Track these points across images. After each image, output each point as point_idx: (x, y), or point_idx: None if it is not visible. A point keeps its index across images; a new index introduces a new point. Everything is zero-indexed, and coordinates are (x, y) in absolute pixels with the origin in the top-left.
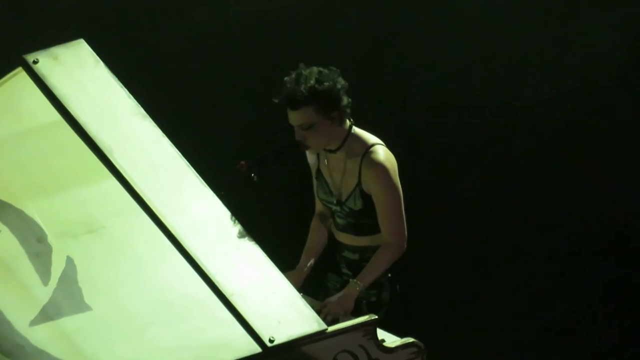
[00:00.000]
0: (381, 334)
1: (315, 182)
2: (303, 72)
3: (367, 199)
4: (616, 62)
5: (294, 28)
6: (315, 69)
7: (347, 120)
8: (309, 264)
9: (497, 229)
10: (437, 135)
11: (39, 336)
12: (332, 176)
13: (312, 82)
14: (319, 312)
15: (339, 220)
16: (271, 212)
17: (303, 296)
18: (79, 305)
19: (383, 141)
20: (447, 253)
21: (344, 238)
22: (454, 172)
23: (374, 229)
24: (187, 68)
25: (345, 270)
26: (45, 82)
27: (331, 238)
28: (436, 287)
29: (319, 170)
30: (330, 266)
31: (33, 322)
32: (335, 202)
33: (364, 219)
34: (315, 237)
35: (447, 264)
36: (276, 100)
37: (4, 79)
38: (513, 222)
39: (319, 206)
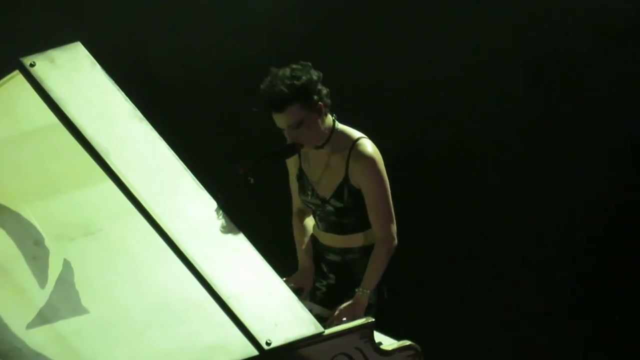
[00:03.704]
0: (378, 336)
1: (295, 183)
2: (276, 74)
3: (354, 194)
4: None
5: (291, 30)
6: (287, 68)
7: (330, 115)
8: (310, 261)
9: (492, 229)
10: (426, 134)
11: (36, 339)
12: (313, 173)
13: (289, 80)
14: (325, 320)
15: (321, 220)
16: (268, 215)
17: (305, 301)
18: (76, 308)
19: (369, 136)
20: (445, 255)
21: (327, 239)
22: (448, 172)
23: (357, 227)
24: (184, 71)
25: (329, 274)
26: (42, 85)
27: (314, 241)
28: (433, 288)
29: (301, 170)
30: (315, 269)
31: (30, 325)
32: (318, 200)
33: (347, 218)
34: (303, 234)
35: (444, 265)
36: (256, 110)
37: (1, 81)
38: (508, 222)
39: (297, 205)
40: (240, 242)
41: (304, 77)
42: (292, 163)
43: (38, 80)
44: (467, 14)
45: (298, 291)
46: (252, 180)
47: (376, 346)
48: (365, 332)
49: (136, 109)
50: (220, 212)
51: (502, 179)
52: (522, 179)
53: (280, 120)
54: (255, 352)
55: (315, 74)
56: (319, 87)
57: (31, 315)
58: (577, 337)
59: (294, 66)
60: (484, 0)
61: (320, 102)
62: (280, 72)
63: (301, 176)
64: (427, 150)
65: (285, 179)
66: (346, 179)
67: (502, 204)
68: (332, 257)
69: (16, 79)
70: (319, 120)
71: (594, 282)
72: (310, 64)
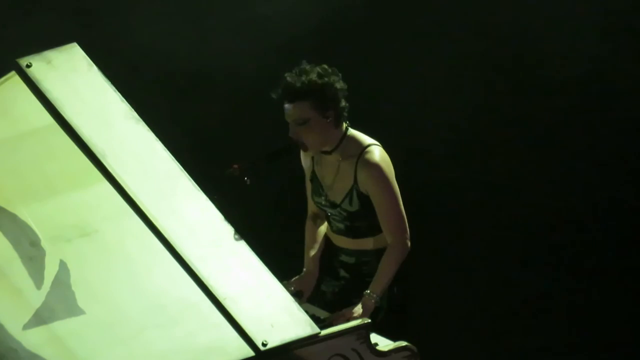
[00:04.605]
0: (374, 337)
1: (309, 185)
2: (305, 67)
3: (363, 200)
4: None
5: (290, 31)
6: (317, 66)
7: (344, 123)
8: (315, 267)
9: (494, 234)
10: (435, 140)
11: (33, 340)
12: (325, 178)
13: (312, 76)
14: (322, 321)
15: (334, 224)
16: (264, 216)
17: (304, 304)
18: (72, 308)
19: (381, 143)
20: (444, 256)
21: (340, 241)
22: (452, 178)
23: (370, 231)
24: (181, 72)
25: (343, 274)
26: (39, 86)
27: (328, 242)
28: (432, 290)
29: (313, 173)
30: (328, 270)
31: (26, 326)
32: (329, 204)
33: (359, 222)
34: (313, 239)
35: (442, 266)
36: (274, 96)
37: None
38: (511, 227)
39: (312, 209)
40: (237, 243)
41: (326, 79)
42: (306, 166)
43: (34, 81)
44: (471, 20)
45: (298, 294)
46: (248, 181)
47: (372, 347)
48: (361, 333)
49: (133, 110)
50: (221, 214)
51: (503, 181)
52: (522, 180)
53: (289, 111)
54: (251, 353)
55: (339, 84)
56: (339, 97)
57: (27, 316)
58: (579, 339)
59: (325, 66)
60: (491, 9)
61: (332, 112)
62: (309, 67)
63: (313, 179)
64: (430, 153)
65: (282, 180)
66: (355, 185)
67: (503, 205)
68: (345, 258)
69: (12, 80)
70: (326, 128)
71: (596, 284)
72: (340, 74)
